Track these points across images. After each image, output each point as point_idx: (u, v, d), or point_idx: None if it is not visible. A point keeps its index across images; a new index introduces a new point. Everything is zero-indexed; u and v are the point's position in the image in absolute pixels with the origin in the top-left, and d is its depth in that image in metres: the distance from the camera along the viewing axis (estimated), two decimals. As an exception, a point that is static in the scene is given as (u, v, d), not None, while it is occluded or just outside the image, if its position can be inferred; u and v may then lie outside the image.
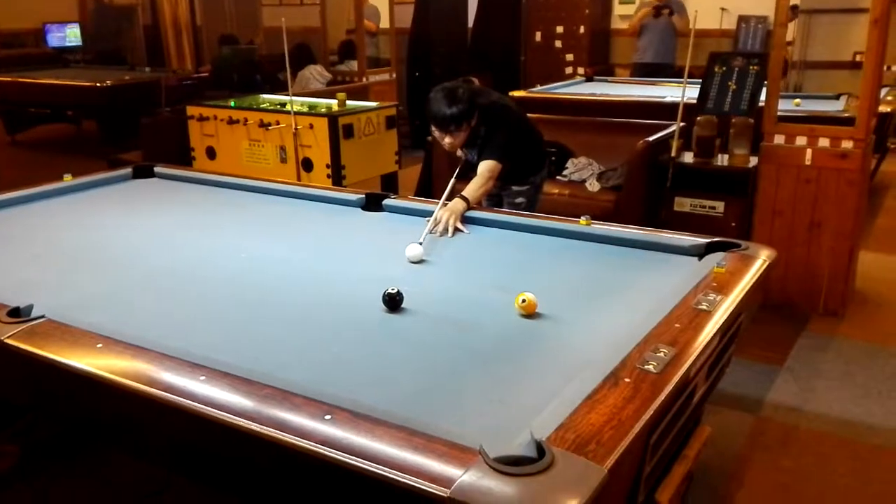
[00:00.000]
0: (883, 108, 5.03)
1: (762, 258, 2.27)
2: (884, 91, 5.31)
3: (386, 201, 3.04)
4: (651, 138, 4.38)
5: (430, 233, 2.69)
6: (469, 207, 2.89)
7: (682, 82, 4.29)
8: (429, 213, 2.81)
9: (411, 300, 2.07)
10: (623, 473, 1.37)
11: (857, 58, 6.37)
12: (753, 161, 4.06)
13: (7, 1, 10.59)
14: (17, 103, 8.59)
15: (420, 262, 2.45)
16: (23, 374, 1.93)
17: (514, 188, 3.53)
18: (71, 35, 11.19)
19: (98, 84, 7.58)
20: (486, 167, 3.17)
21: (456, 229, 2.75)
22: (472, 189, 3.03)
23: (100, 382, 1.67)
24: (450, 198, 2.91)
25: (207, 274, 2.40)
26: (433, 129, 3.23)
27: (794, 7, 6.59)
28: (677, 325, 1.80)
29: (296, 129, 4.72)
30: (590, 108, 5.66)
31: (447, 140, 3.20)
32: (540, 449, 1.31)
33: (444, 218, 2.75)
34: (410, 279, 2.28)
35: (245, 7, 9.80)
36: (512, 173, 3.39)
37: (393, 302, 2.05)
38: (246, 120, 5.07)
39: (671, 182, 4.16)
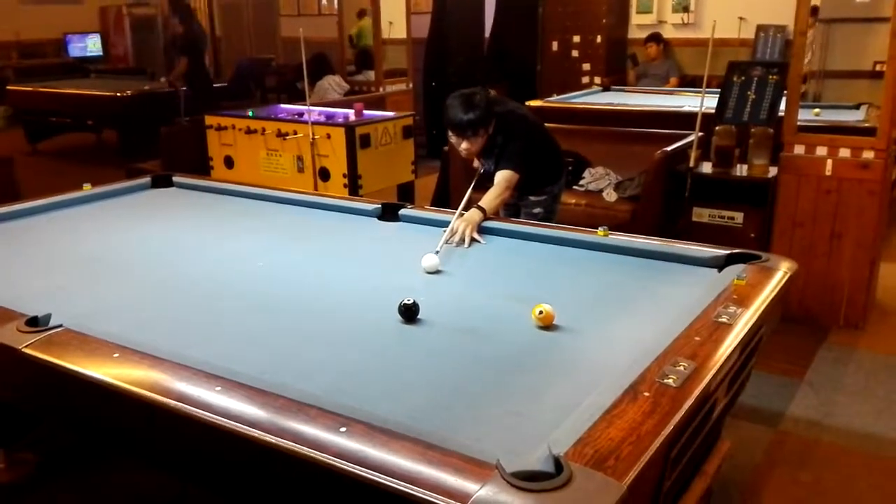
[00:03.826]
0: (904, 118, 4.97)
1: (783, 270, 2.24)
2: (905, 101, 5.24)
3: (402, 211, 3.03)
4: (669, 148, 4.35)
5: (447, 243, 2.68)
6: (486, 217, 2.87)
7: (700, 92, 4.26)
8: (445, 223, 2.80)
9: (427, 311, 2.07)
10: (642, 490, 1.35)
11: (878, 67, 6.30)
12: (773, 171, 4.02)
13: (29, 11, 10.76)
14: (39, 112, 8.70)
15: (436, 272, 2.44)
16: (40, 383, 1.94)
17: (532, 198, 3.51)
18: (92, 45, 11.35)
19: (118, 94, 7.66)
20: (502, 177, 3.16)
21: (472, 239, 2.74)
22: (489, 199, 3.01)
23: (116, 392, 1.67)
24: (466, 208, 2.90)
25: (224, 283, 2.40)
26: (450, 135, 3.21)
27: (815, 9, 6.51)
28: (697, 339, 1.78)
29: (313, 138, 4.74)
30: (607, 118, 5.64)
31: (464, 146, 3.18)
32: (558, 464, 1.30)
33: (461, 228, 2.74)
34: (426, 289, 2.27)
35: (263, 18, 9.88)
36: (529, 183, 3.37)
37: (409, 312, 2.04)
38: (264, 130, 5.09)
39: (689, 192, 4.13)
